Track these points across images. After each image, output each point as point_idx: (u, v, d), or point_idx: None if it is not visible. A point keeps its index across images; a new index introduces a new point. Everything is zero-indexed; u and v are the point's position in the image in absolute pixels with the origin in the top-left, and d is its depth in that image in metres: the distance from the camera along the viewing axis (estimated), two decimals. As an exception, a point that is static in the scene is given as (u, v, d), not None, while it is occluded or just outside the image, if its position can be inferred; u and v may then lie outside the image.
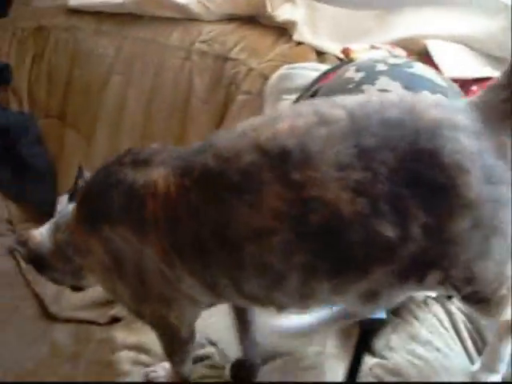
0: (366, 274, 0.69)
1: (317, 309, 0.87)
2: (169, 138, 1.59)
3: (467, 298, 0.75)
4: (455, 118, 0.68)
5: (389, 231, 0.65)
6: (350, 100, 0.73)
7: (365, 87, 1.07)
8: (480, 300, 0.75)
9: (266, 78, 1.47)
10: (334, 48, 1.56)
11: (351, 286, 0.71)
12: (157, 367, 1.00)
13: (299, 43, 1.56)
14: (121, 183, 0.78)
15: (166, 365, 0.97)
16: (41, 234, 0.93)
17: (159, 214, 0.75)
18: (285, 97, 1.42)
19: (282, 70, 1.45)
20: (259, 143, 0.68)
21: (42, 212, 1.64)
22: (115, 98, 1.70)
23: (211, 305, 0.86)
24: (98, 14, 1.79)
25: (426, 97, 0.75)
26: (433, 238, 0.66)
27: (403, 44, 1.51)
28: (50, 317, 1.46)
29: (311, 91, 1.22)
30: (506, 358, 0.80)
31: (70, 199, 0.94)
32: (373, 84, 1.07)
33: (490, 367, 0.81)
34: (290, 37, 1.57)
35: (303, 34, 1.58)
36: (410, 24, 1.58)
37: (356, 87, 1.08)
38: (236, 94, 1.48)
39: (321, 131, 0.66)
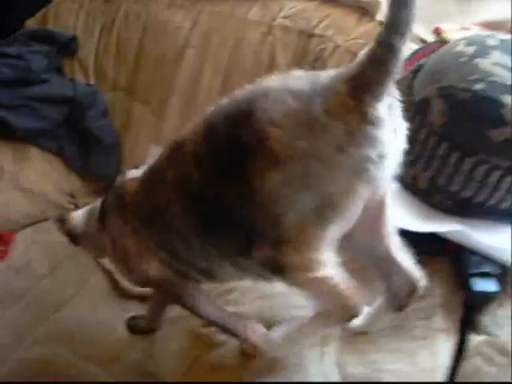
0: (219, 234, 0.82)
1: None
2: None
3: (270, 265, 0.79)
4: (290, 83, 0.74)
5: (213, 192, 0.78)
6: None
7: (477, 61, 1.07)
8: (280, 266, 0.78)
9: (353, 55, 1.45)
10: (414, 28, 1.55)
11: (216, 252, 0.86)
12: None
13: (382, 23, 1.55)
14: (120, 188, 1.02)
15: None
16: (78, 216, 1.15)
17: (132, 202, 0.97)
18: (375, 74, 1.41)
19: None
20: (170, 145, 0.88)
21: (106, 185, 1.63)
22: (190, 72, 1.68)
23: None
24: (170, -13, 1.78)
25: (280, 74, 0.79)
26: (243, 197, 0.75)
27: (488, 27, 1.51)
28: (121, 292, 1.44)
29: (413, 68, 1.21)
30: None
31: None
32: (485, 58, 1.07)
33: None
34: (373, 17, 1.56)
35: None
36: (495, 8, 1.58)
37: (469, 61, 1.08)
38: (322, 70, 1.47)
39: (195, 124, 0.84)
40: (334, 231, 0.75)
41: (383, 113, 0.71)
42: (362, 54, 0.72)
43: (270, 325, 0.99)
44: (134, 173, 1.02)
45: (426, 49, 1.40)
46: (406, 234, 0.90)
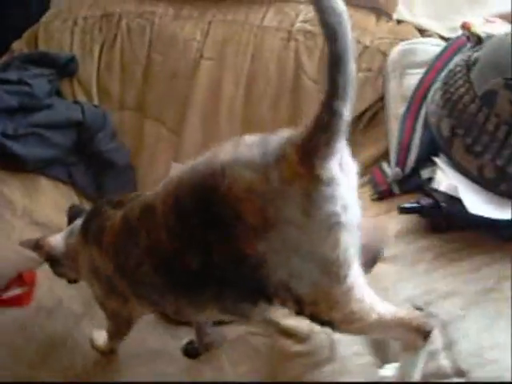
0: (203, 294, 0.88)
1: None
2: (276, 121, 1.53)
3: (314, 319, 0.83)
4: (241, 155, 0.76)
5: (191, 261, 0.82)
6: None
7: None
8: (325, 322, 0.82)
9: (383, 54, 1.45)
10: (430, 25, 1.57)
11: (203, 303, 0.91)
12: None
13: (399, 22, 1.56)
14: (100, 217, 1.04)
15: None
16: (56, 239, 1.17)
17: (107, 239, 1.00)
18: (409, 71, 1.41)
19: (403, 46, 1.45)
20: (143, 200, 0.93)
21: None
22: (207, 84, 1.61)
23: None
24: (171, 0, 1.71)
25: (232, 141, 0.81)
26: (239, 264, 0.78)
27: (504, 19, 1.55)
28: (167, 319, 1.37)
29: (471, 60, 1.22)
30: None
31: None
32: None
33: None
34: (390, 16, 1.57)
35: (402, 12, 1.58)
36: (500, 1, 1.62)
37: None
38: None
39: (164, 189, 0.87)
40: (352, 276, 0.78)
41: (335, 171, 0.74)
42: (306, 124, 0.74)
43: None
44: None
45: (453, 44, 1.42)
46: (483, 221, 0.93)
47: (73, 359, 1.30)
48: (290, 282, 0.77)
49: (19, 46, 1.82)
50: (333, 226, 0.75)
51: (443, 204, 1.13)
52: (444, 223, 1.16)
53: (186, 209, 0.81)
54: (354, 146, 1.43)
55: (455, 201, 1.11)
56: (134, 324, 1.17)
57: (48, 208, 1.61)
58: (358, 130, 1.44)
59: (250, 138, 0.80)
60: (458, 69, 1.23)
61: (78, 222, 1.14)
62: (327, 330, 0.94)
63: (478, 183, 1.16)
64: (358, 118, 1.44)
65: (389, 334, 0.87)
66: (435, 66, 1.37)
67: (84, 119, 1.62)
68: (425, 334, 0.83)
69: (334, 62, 0.70)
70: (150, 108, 1.69)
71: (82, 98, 1.74)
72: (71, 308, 1.43)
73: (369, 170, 1.40)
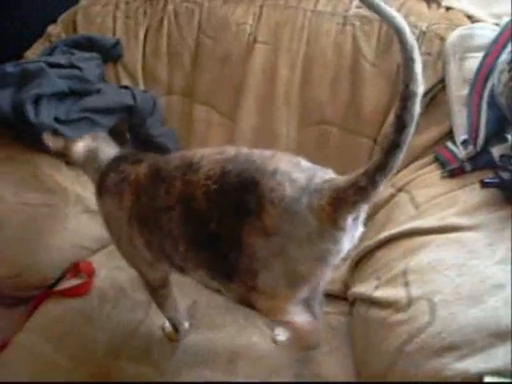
0: (204, 254, 1.01)
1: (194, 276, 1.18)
2: (334, 104, 1.56)
3: (243, 301, 1.02)
4: (294, 172, 0.93)
5: (212, 226, 0.96)
6: (245, 150, 1.01)
7: None
8: (251, 306, 1.02)
9: (441, 39, 1.49)
10: (476, 12, 1.63)
11: (200, 262, 1.03)
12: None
13: (447, 8, 1.61)
14: (121, 172, 1.17)
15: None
16: (79, 148, 1.28)
17: (131, 190, 1.12)
18: (468, 55, 1.47)
19: (461, 31, 1.50)
20: (184, 155, 1.06)
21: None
22: (262, 68, 1.61)
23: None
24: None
25: (290, 157, 0.99)
26: (235, 245, 0.94)
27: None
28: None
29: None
30: None
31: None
32: None
33: None
34: (439, 3, 1.62)
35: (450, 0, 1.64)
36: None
37: None
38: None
39: (213, 156, 1.00)
40: (299, 293, 0.99)
41: (349, 223, 0.91)
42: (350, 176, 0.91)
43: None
44: None
45: (507, 29, 1.49)
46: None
47: (149, 347, 1.31)
48: (260, 272, 0.94)
49: (56, 31, 1.76)
50: (322, 258, 0.93)
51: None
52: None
53: (229, 184, 0.95)
54: (416, 128, 1.50)
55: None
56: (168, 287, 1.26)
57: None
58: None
59: (306, 164, 0.97)
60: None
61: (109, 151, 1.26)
62: (428, 295, 1.05)
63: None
64: (418, 101, 1.48)
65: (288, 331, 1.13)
66: (493, 50, 1.43)
67: (135, 104, 1.60)
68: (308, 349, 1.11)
69: (397, 130, 0.84)
70: (199, 92, 1.68)
71: (126, 82, 1.71)
72: (135, 296, 1.42)
73: (430, 151, 1.46)
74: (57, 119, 1.50)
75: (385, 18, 0.82)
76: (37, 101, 1.45)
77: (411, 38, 0.81)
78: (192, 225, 1.00)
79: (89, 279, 1.47)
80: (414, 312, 1.06)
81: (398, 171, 1.48)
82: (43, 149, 1.50)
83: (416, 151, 1.46)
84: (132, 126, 1.61)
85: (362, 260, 1.36)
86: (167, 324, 1.31)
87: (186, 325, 1.31)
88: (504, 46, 1.43)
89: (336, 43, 1.57)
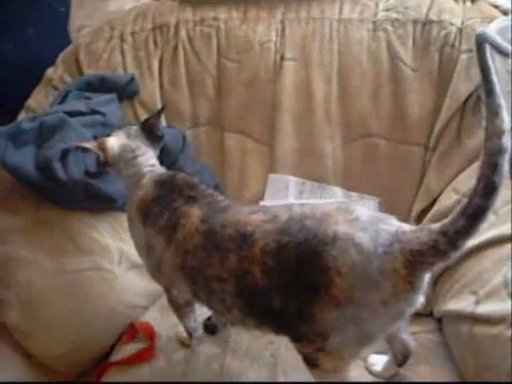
0: (267, 323, 0.98)
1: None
2: (378, 114, 1.48)
3: (307, 359, 0.98)
4: (355, 234, 0.86)
5: (276, 303, 0.92)
6: (296, 208, 0.96)
7: None
8: (314, 364, 0.97)
9: (479, 33, 1.45)
10: (502, 2, 1.60)
11: (263, 327, 1.00)
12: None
13: (472, 1, 1.57)
14: (172, 206, 1.07)
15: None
16: (112, 144, 1.17)
17: (181, 238, 1.04)
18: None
19: (498, 24, 1.45)
20: (238, 223, 0.97)
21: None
22: (294, 85, 1.52)
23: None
24: (230, 4, 1.59)
25: (344, 212, 0.92)
26: (304, 319, 0.90)
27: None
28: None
29: None
30: None
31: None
32: None
33: None
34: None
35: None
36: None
37: None
38: (455, 54, 1.44)
39: (266, 226, 0.94)
40: (366, 350, 0.96)
41: (425, 281, 0.88)
42: (424, 234, 0.86)
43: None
44: None
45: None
46: None
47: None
48: (331, 336, 0.90)
49: (57, 74, 1.60)
50: (396, 318, 0.91)
51: None
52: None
53: (288, 259, 0.90)
54: (467, 128, 1.44)
55: None
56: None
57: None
58: (467, 111, 1.43)
59: (365, 217, 0.89)
60: None
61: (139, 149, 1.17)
62: None
63: None
64: (466, 100, 1.43)
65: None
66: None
67: (165, 143, 1.47)
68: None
69: (484, 194, 0.78)
70: (228, 120, 1.57)
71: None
72: (204, 350, 1.30)
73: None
74: (87, 172, 1.35)
75: None
76: (63, 156, 1.30)
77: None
78: (248, 299, 0.97)
79: (151, 341, 1.33)
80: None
81: (455, 175, 1.43)
82: (75, 207, 1.37)
83: (471, 153, 1.41)
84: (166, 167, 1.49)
85: (443, 274, 1.29)
86: (181, 329, 1.27)
87: (200, 331, 1.28)
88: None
89: (370, 51, 1.49)
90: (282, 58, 1.53)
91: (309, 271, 0.88)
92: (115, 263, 1.38)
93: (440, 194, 1.43)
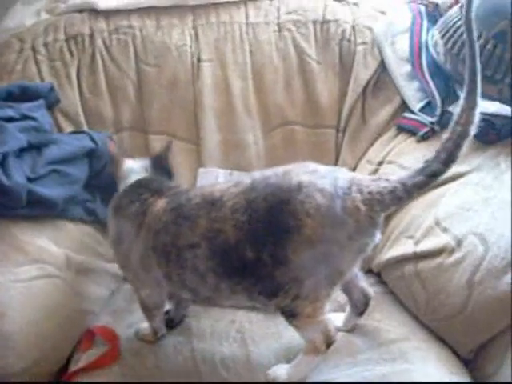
0: (242, 281, 1.04)
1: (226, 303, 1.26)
2: (292, 103, 1.63)
3: (286, 312, 1.06)
4: (317, 181, 0.98)
5: (250, 254, 0.99)
6: (256, 174, 1.07)
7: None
8: (293, 314, 1.06)
9: (369, 29, 1.66)
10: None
11: (238, 289, 1.06)
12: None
13: (356, 4, 1.79)
14: (142, 201, 1.16)
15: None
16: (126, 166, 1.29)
17: (150, 222, 1.12)
18: (396, 38, 1.64)
19: (385, 19, 1.69)
20: (204, 194, 1.08)
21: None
22: (214, 84, 1.61)
23: (170, 293, 1.24)
24: (141, 13, 1.66)
25: (303, 166, 1.04)
26: (280, 265, 0.98)
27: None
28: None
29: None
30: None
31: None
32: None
33: (291, 374, 1.13)
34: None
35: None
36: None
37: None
38: (352, 47, 1.64)
39: (232, 189, 1.04)
40: (337, 288, 1.07)
41: (381, 219, 1.02)
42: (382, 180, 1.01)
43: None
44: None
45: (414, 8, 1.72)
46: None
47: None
48: (305, 279, 0.99)
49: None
50: (361, 252, 1.02)
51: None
52: (495, 137, 1.41)
53: (258, 211, 0.98)
54: (370, 108, 1.64)
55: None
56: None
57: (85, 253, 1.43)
58: (368, 94, 1.63)
59: (322, 169, 1.02)
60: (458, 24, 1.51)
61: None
62: (472, 229, 1.17)
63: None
64: (365, 87, 1.63)
65: (310, 333, 1.09)
66: (415, 30, 1.65)
67: (96, 146, 1.48)
68: (329, 344, 1.09)
69: (444, 162, 0.97)
70: (152, 123, 1.61)
71: (69, 128, 1.56)
72: (171, 341, 1.30)
73: (388, 127, 1.61)
74: (28, 178, 1.32)
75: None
76: (3, 161, 1.26)
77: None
78: (222, 258, 1.02)
79: (114, 342, 1.30)
80: (467, 247, 1.17)
81: (366, 150, 1.62)
82: (15, 216, 1.32)
83: (377, 129, 1.61)
84: (94, 172, 1.49)
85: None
86: (145, 326, 1.30)
87: (164, 330, 1.30)
88: (421, 26, 1.66)
89: (279, 49, 1.64)
90: (199, 60, 1.63)
91: (279, 218, 0.96)
92: (63, 269, 1.34)
93: (356, 168, 1.60)
